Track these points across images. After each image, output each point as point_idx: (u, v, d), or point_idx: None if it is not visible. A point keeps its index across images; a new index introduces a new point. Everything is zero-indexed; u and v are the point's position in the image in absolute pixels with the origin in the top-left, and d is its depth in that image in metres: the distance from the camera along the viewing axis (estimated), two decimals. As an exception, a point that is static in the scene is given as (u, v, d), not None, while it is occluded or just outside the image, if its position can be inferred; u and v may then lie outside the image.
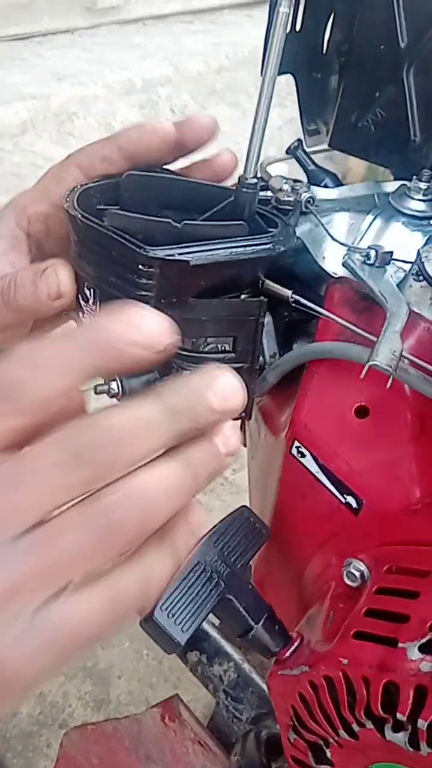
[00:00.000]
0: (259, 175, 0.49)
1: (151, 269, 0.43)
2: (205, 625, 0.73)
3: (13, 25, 3.06)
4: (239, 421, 0.31)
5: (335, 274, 0.51)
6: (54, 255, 0.52)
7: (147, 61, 3.05)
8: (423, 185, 0.52)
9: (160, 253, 0.43)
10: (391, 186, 0.56)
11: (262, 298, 0.50)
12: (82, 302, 0.51)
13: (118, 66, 2.95)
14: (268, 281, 0.51)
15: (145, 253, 0.42)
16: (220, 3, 3.91)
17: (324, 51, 0.59)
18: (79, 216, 0.45)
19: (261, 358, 0.55)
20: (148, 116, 2.88)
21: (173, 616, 0.44)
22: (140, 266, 0.43)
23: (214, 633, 0.72)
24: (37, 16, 3.14)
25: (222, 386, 0.29)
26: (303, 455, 0.52)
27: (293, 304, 0.51)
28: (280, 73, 0.56)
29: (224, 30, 3.64)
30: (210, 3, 3.86)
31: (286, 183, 0.55)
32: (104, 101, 2.76)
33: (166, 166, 0.53)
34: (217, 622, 0.74)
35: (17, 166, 2.38)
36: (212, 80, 3.19)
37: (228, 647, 0.70)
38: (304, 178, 0.60)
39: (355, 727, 0.42)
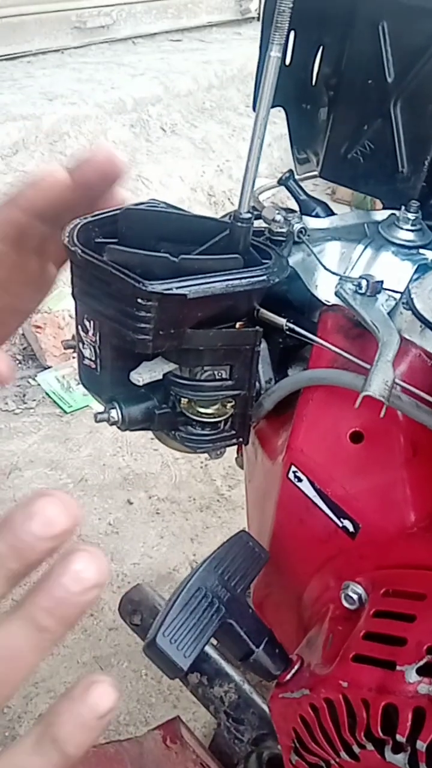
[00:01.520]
0: (251, 204, 0.51)
1: (149, 303, 0.44)
2: (206, 647, 0.73)
3: (3, 45, 3.09)
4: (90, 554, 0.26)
5: (328, 301, 0.53)
6: None
7: (137, 80, 3.09)
8: (411, 215, 0.54)
9: (159, 287, 0.44)
10: (381, 215, 0.58)
11: (257, 327, 0.51)
12: (82, 333, 0.52)
13: (108, 85, 2.98)
14: (263, 310, 0.53)
15: (144, 287, 0.44)
16: (208, 21, 3.96)
17: (313, 84, 0.61)
18: (79, 251, 0.47)
19: (257, 384, 0.57)
20: (139, 135, 2.91)
21: (175, 641, 0.45)
22: (139, 300, 0.44)
23: (214, 654, 0.72)
24: (27, 36, 3.17)
25: (39, 509, 0.26)
26: (300, 480, 0.53)
27: (288, 332, 0.52)
28: (271, 107, 0.58)
29: (213, 48, 3.69)
30: (198, 21, 3.91)
31: (278, 213, 0.56)
32: (95, 120, 2.78)
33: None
34: (217, 643, 0.75)
35: (9, 186, 2.39)
36: (202, 98, 3.22)
37: (228, 668, 0.71)
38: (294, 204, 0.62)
39: (355, 748, 0.43)
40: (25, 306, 0.59)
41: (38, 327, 2.15)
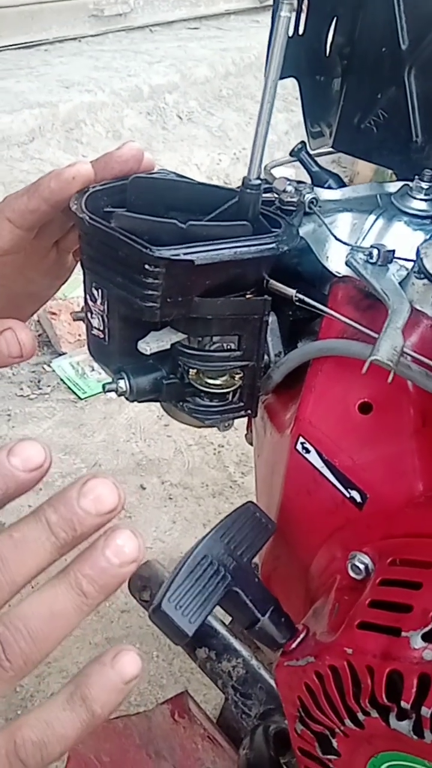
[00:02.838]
0: (263, 177, 0.50)
1: (157, 269, 0.44)
2: (214, 622, 0.73)
3: (21, 33, 3.10)
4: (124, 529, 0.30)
5: (339, 273, 0.52)
6: (0, 299, 0.55)
7: (154, 67, 3.08)
8: (425, 185, 0.53)
9: (166, 253, 0.44)
10: (394, 186, 0.57)
11: (266, 296, 0.51)
12: (90, 303, 0.52)
13: (125, 73, 2.98)
14: (272, 281, 0.52)
15: (151, 253, 0.44)
16: (226, 8, 3.94)
17: (326, 54, 0.60)
18: (87, 218, 0.47)
19: (266, 357, 0.56)
20: (156, 123, 2.91)
21: (181, 607, 0.45)
22: (146, 266, 0.44)
23: (222, 630, 0.72)
24: (45, 24, 3.17)
25: (92, 488, 0.29)
26: (308, 451, 0.52)
27: (297, 303, 0.52)
28: (283, 77, 0.58)
29: (231, 35, 3.67)
30: (216, 9, 3.89)
31: (289, 184, 0.56)
32: (112, 108, 2.78)
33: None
34: (226, 619, 0.75)
35: (26, 173, 2.40)
36: (219, 86, 3.21)
37: (236, 644, 0.71)
38: (309, 180, 0.61)
39: (360, 716, 0.43)
40: (42, 293, 0.60)
41: (53, 314, 2.16)
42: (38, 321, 2.25)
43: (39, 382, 2.15)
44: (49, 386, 2.14)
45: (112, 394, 0.53)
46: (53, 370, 2.18)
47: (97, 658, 0.31)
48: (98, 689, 0.30)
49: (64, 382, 2.14)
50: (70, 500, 0.30)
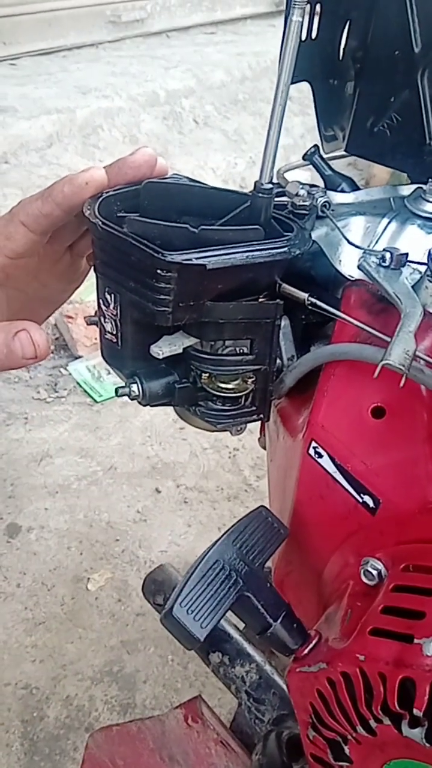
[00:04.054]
0: (276, 181, 0.50)
1: (169, 273, 0.44)
2: (228, 627, 0.73)
3: (39, 40, 3.13)
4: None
5: (351, 276, 0.52)
6: (14, 303, 0.55)
7: (170, 72, 3.10)
8: (438, 188, 0.52)
9: (178, 257, 0.44)
10: (407, 189, 0.57)
11: (278, 300, 0.51)
12: (103, 307, 0.52)
13: (142, 78, 3.00)
14: (285, 285, 0.52)
15: (163, 258, 0.44)
16: (242, 13, 3.96)
17: (339, 58, 0.60)
18: (100, 223, 0.47)
19: (279, 361, 0.56)
20: (172, 127, 2.92)
21: (192, 612, 0.45)
22: (159, 271, 0.44)
23: (236, 635, 0.72)
24: (63, 30, 3.21)
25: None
26: (320, 455, 0.52)
27: (310, 307, 0.52)
28: (297, 81, 0.58)
29: (247, 40, 3.68)
30: (232, 14, 3.91)
31: (302, 188, 0.56)
32: (128, 113, 2.80)
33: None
34: (239, 624, 0.75)
35: (44, 178, 2.42)
36: (235, 90, 3.22)
37: (250, 649, 0.71)
38: (322, 184, 0.61)
39: (372, 723, 0.42)
40: (55, 297, 0.61)
41: (69, 317, 2.17)
42: (55, 324, 2.27)
43: (56, 385, 2.17)
44: (65, 389, 2.15)
45: (128, 398, 0.53)
46: (70, 374, 2.19)
47: None
48: None
49: (81, 386, 2.15)
50: None
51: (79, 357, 2.22)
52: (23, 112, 2.58)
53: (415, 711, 0.39)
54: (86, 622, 1.50)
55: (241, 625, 0.77)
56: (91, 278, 0.62)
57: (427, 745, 0.39)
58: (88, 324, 0.58)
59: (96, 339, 2.19)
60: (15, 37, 3.04)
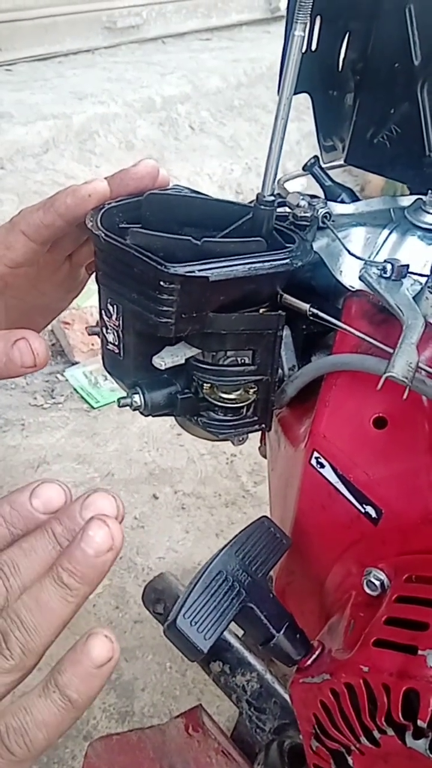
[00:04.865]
0: (276, 192, 0.51)
1: (172, 285, 0.44)
2: (228, 636, 0.73)
3: (35, 45, 3.14)
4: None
5: (352, 287, 0.52)
6: (13, 312, 0.55)
7: (166, 78, 3.10)
8: (438, 199, 0.53)
9: (181, 269, 0.44)
10: (407, 200, 0.57)
11: (280, 311, 0.51)
12: (106, 318, 0.52)
13: (138, 84, 3.00)
14: (286, 295, 0.52)
15: (166, 270, 0.44)
16: (238, 20, 3.97)
17: (339, 70, 0.60)
18: (102, 235, 0.47)
19: (280, 371, 0.56)
20: (168, 133, 2.92)
21: (195, 623, 0.45)
22: (161, 282, 0.44)
23: (236, 644, 0.72)
24: (59, 36, 3.21)
25: (92, 501, 0.33)
26: (322, 466, 0.52)
27: (311, 318, 0.52)
28: (297, 93, 0.58)
29: (242, 47, 3.69)
30: (228, 20, 3.92)
31: (303, 199, 0.56)
32: (124, 119, 2.81)
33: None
34: (239, 632, 0.75)
35: (40, 184, 2.42)
36: (231, 96, 3.23)
37: (251, 658, 0.71)
38: (321, 192, 0.61)
39: (376, 734, 0.42)
40: (54, 305, 0.61)
41: (66, 323, 2.17)
42: (51, 331, 2.26)
43: (52, 391, 2.16)
44: (62, 396, 2.15)
45: (130, 408, 0.53)
46: (66, 380, 2.19)
47: (72, 646, 0.33)
48: (70, 675, 0.32)
49: (78, 392, 2.15)
50: (73, 513, 0.32)
51: (76, 363, 2.22)
52: (19, 117, 2.58)
53: (419, 722, 0.39)
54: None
55: (240, 633, 0.77)
56: (88, 284, 0.62)
57: (431, 755, 0.40)
58: (89, 334, 0.58)
59: (93, 345, 2.19)
60: (11, 42, 3.05)
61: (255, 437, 0.72)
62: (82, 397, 2.13)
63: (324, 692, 0.45)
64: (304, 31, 0.44)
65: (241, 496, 1.83)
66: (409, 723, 0.40)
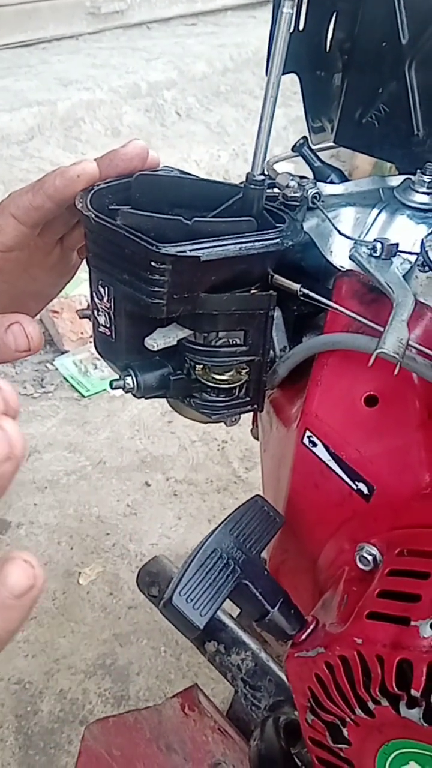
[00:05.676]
0: (266, 173, 0.51)
1: (163, 266, 0.44)
2: (223, 616, 0.74)
3: (19, 32, 3.10)
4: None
5: (342, 267, 0.53)
6: (4, 297, 0.55)
7: (151, 64, 3.08)
8: (427, 178, 0.53)
9: (172, 249, 0.44)
10: (396, 180, 0.57)
11: (271, 292, 0.51)
12: (97, 300, 0.52)
13: (123, 70, 2.97)
14: (277, 276, 0.53)
15: (157, 250, 0.44)
16: (223, 4, 3.93)
17: (327, 50, 0.60)
18: (93, 216, 0.47)
19: (272, 352, 0.57)
20: (155, 120, 2.90)
21: (191, 600, 0.45)
22: (152, 263, 0.44)
23: (231, 623, 0.73)
24: (42, 22, 3.17)
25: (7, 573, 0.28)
26: (314, 444, 0.53)
27: (302, 298, 0.52)
28: (284, 73, 0.58)
29: (228, 31, 3.66)
30: (213, 5, 3.88)
31: (292, 180, 0.56)
32: (110, 106, 2.78)
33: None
34: (234, 613, 0.76)
35: (26, 172, 2.40)
36: (217, 82, 3.21)
37: (245, 637, 0.71)
38: (310, 175, 0.61)
39: (370, 705, 0.43)
40: (46, 291, 0.60)
41: (55, 312, 2.16)
42: (40, 320, 2.25)
43: (42, 380, 2.16)
44: (52, 385, 2.14)
45: (116, 392, 0.53)
46: (56, 369, 2.18)
47: None
48: None
49: (68, 381, 2.15)
50: None
51: (66, 352, 2.22)
52: (4, 104, 2.55)
53: (412, 692, 0.40)
54: (78, 616, 1.50)
55: (234, 614, 0.78)
56: (77, 273, 0.62)
57: (425, 724, 0.40)
58: (80, 318, 0.58)
59: (82, 334, 2.18)
60: (-6, 29, 3.01)
61: (246, 422, 0.73)
62: (73, 386, 2.13)
63: (319, 665, 0.45)
64: (293, 8, 0.44)
65: (233, 482, 1.84)
66: (402, 693, 0.41)
